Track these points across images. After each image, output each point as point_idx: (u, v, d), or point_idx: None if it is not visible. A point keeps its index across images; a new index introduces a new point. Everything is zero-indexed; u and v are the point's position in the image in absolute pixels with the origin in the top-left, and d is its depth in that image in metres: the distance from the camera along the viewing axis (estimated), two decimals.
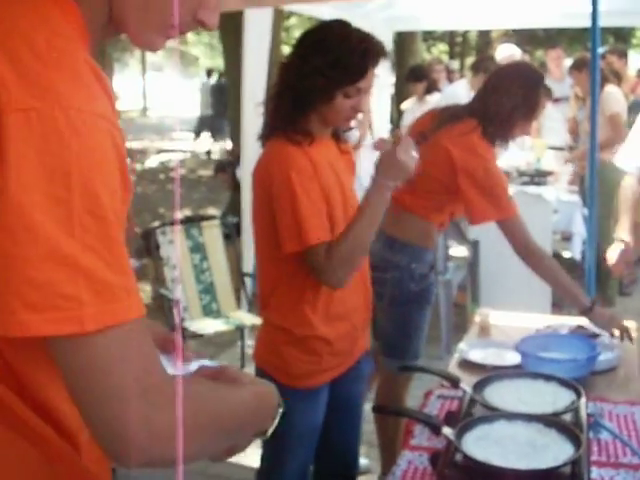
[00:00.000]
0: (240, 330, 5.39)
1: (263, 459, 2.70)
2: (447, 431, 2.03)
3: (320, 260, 2.38)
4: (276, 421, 1.44)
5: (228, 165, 8.90)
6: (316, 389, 2.58)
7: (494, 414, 2.13)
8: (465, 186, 3.23)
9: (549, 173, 6.54)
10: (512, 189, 5.79)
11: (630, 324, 3.37)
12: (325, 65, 2.38)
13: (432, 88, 8.44)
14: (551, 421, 2.07)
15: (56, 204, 0.96)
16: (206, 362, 1.65)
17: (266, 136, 2.55)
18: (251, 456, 2.69)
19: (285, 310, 2.53)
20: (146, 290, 7.36)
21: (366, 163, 3.78)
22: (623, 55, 8.31)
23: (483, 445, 1.96)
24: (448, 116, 3.40)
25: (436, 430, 2.09)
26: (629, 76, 8.39)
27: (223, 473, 4.01)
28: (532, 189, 5.92)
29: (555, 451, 1.93)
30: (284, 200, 2.38)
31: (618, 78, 7.18)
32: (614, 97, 6.68)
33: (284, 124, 2.46)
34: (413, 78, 8.63)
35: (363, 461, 3.96)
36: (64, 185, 0.96)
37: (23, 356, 1.06)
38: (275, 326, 2.57)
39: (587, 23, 4.63)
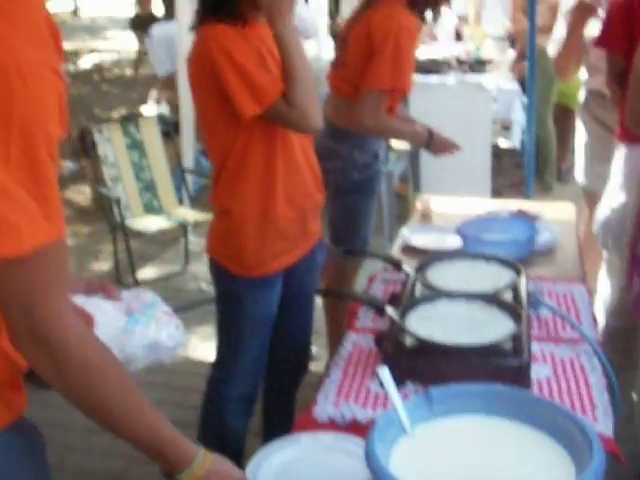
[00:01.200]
0: (183, 227, 5.37)
1: (219, 350, 2.71)
2: (391, 311, 2.06)
3: (285, 111, 2.35)
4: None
5: None
6: (270, 277, 2.58)
7: (436, 294, 2.16)
8: (378, 48, 3.19)
9: (488, 62, 6.51)
10: (452, 78, 5.80)
11: (568, 206, 3.44)
12: None
13: None
14: (492, 298, 2.11)
15: None
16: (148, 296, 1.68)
17: (198, 25, 2.47)
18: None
19: (234, 192, 2.49)
20: (85, 192, 7.26)
21: None
22: None
23: (426, 324, 1.99)
24: None
25: (380, 311, 2.11)
26: None
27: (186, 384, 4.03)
28: (472, 77, 5.89)
29: (496, 327, 1.96)
30: (230, 72, 2.32)
31: None
32: None
33: (214, 9, 2.39)
34: None
35: (312, 347, 4.02)
36: (5, 126, 1.09)
37: None
38: (224, 211, 2.53)
39: None
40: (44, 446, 1.52)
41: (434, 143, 3.51)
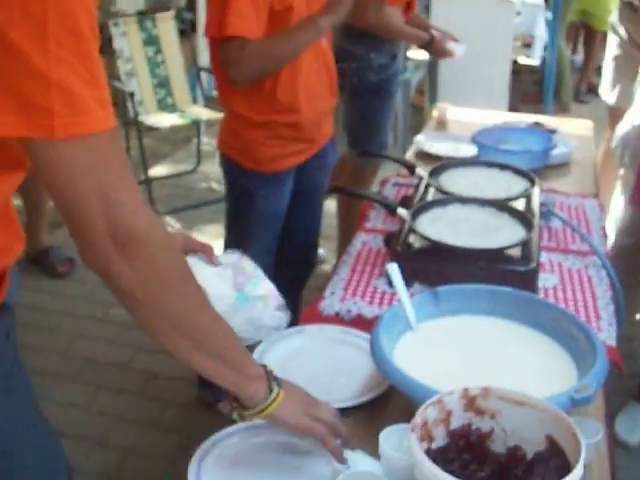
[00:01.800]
0: (196, 125, 5.34)
1: (226, 244, 2.71)
2: (402, 211, 2.05)
3: (231, 54, 2.29)
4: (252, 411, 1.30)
5: None
6: (281, 174, 2.56)
7: (448, 197, 2.16)
8: None
9: None
10: None
11: (586, 123, 3.40)
12: None
13: None
14: (504, 205, 2.10)
15: (32, 22, 0.98)
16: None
17: None
18: None
19: (243, 101, 2.46)
20: None
21: None
22: None
23: (437, 226, 1.99)
24: None
25: (391, 211, 2.11)
26: None
27: None
28: None
29: (507, 233, 1.97)
30: None
31: None
32: None
33: None
34: None
35: (320, 250, 4.04)
36: (40, 2, 0.98)
37: None
38: (236, 114, 2.51)
39: None
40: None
41: (435, 46, 3.48)
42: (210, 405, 2.82)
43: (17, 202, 3.78)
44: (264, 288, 1.53)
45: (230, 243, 2.69)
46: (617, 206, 3.41)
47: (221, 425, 1.43)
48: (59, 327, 3.57)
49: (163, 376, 3.19)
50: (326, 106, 2.60)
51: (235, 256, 1.60)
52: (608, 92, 4.14)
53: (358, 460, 1.30)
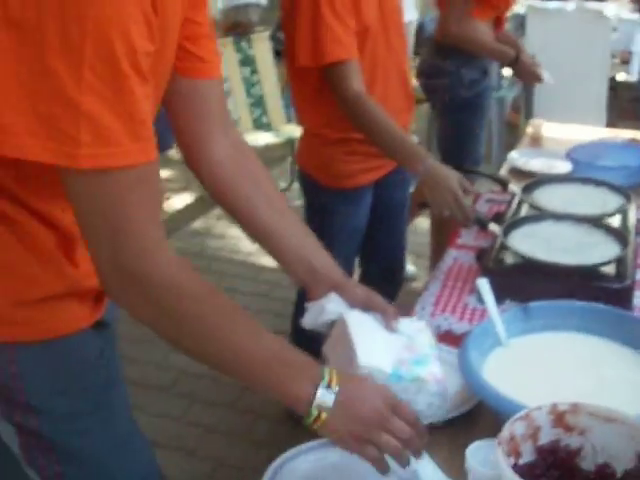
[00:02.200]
0: (290, 144, 5.40)
1: None
2: (494, 227, 2.05)
3: (340, 81, 2.30)
4: (320, 397, 1.21)
5: None
6: (359, 190, 2.57)
7: (541, 214, 2.14)
8: None
9: None
10: (572, 4, 5.62)
11: None
12: None
13: None
14: (598, 222, 2.07)
15: (69, 48, 0.99)
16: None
17: None
18: None
19: (321, 119, 2.49)
20: None
21: None
22: None
23: (529, 242, 1.97)
24: None
25: (483, 226, 2.10)
26: None
27: (286, 296, 4.11)
28: (592, 5, 5.69)
29: (602, 250, 1.94)
30: (306, 11, 2.27)
31: None
32: None
33: None
34: None
35: (411, 268, 4.04)
36: (79, 30, 0.99)
37: (28, 170, 1.14)
38: (314, 132, 2.55)
39: None
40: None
41: (519, 66, 3.42)
42: (299, 419, 2.83)
43: None
44: (427, 371, 1.36)
45: None
46: None
47: (310, 440, 1.43)
48: (156, 339, 3.63)
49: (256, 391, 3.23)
50: (403, 121, 2.60)
51: (417, 325, 1.48)
52: None
53: (425, 469, 1.27)
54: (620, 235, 1.99)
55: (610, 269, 1.89)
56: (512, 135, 5.71)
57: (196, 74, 1.41)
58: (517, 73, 3.48)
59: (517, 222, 2.08)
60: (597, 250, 1.93)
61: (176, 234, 4.84)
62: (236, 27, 5.44)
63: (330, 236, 2.56)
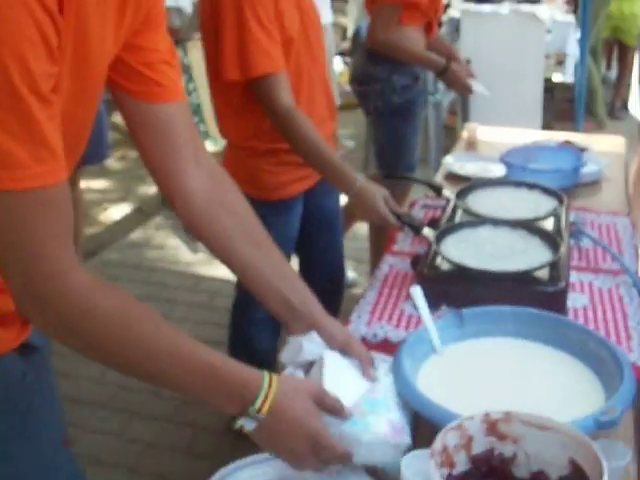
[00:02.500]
0: None
1: (237, 284, 2.67)
2: (427, 232, 2.04)
3: (269, 94, 2.28)
4: (243, 421, 1.23)
5: None
6: (288, 201, 2.56)
7: (473, 219, 2.14)
8: None
9: None
10: (506, 8, 5.68)
11: (617, 139, 3.36)
12: None
13: None
14: (532, 226, 2.08)
15: None
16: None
17: None
18: None
19: (247, 132, 2.46)
20: None
21: None
22: None
23: (462, 247, 1.98)
24: None
25: (416, 231, 2.10)
26: None
27: (228, 305, 4.08)
28: (526, 7, 5.76)
29: (534, 254, 1.94)
30: (231, 25, 2.24)
31: None
32: None
33: None
34: None
35: (351, 274, 4.03)
36: None
37: None
38: (240, 145, 2.51)
39: None
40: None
41: (448, 74, 3.39)
42: (241, 432, 2.81)
43: None
44: (383, 418, 1.32)
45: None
46: None
47: (253, 453, 1.41)
48: None
49: (195, 402, 3.20)
50: (328, 130, 2.60)
51: (384, 368, 1.46)
52: (637, 108, 4.11)
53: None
54: (553, 238, 2.00)
55: (544, 273, 1.90)
56: (450, 138, 5.75)
57: (153, 98, 1.38)
58: (447, 82, 3.44)
59: (450, 228, 2.08)
60: (529, 254, 1.94)
61: (113, 245, 4.79)
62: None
63: None
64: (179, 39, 5.31)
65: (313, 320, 1.47)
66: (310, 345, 1.43)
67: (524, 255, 1.94)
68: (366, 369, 1.42)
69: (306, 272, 2.81)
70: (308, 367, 1.43)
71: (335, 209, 2.81)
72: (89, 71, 1.20)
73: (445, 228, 2.08)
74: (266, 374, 1.25)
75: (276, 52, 2.28)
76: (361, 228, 4.06)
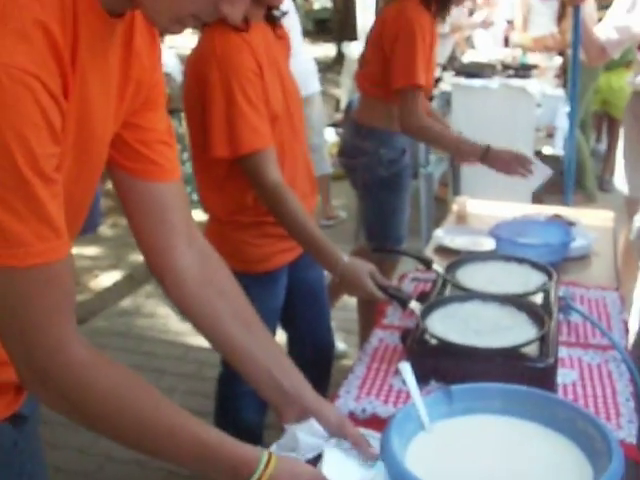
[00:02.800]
0: None
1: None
2: (414, 305, 2.05)
3: (257, 170, 2.29)
4: None
5: None
6: (273, 272, 2.55)
7: (462, 294, 2.15)
8: (390, 46, 3.23)
9: (534, 67, 6.45)
10: (496, 82, 5.76)
11: (606, 214, 3.39)
12: None
13: None
14: (521, 301, 2.08)
15: None
16: None
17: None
18: None
19: (231, 206, 2.46)
20: None
21: None
22: None
23: (448, 323, 1.98)
24: None
25: (403, 305, 2.11)
26: None
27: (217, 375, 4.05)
28: (516, 82, 5.84)
29: (521, 330, 1.94)
30: (219, 101, 2.25)
31: None
32: None
33: None
34: None
35: (341, 345, 4.02)
36: None
37: None
38: (223, 219, 2.51)
39: None
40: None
41: (491, 156, 3.26)
42: None
43: None
44: None
45: None
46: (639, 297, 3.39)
47: None
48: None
49: (183, 475, 3.16)
50: (310, 205, 2.60)
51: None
52: (622, 182, 4.15)
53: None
54: (540, 315, 2.00)
55: (533, 349, 1.90)
56: (441, 209, 5.78)
57: (148, 176, 1.40)
58: (490, 164, 3.29)
59: (438, 302, 2.09)
60: (515, 331, 1.94)
61: (103, 313, 4.77)
62: None
63: None
64: (172, 108, 5.37)
65: (304, 403, 1.47)
66: (306, 438, 1.42)
67: (509, 331, 1.94)
68: (365, 450, 1.43)
69: (294, 345, 2.80)
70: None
71: (320, 281, 2.81)
72: (91, 150, 1.23)
73: (432, 303, 2.08)
74: (265, 453, 1.26)
75: (264, 128, 2.30)
76: (350, 299, 4.05)
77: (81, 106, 1.15)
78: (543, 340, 1.90)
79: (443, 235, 2.95)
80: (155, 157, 1.40)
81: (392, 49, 3.24)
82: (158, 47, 1.42)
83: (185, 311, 1.48)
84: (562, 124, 6.18)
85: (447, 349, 1.89)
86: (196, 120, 2.37)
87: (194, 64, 2.36)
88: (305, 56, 5.57)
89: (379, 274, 2.27)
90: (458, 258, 2.44)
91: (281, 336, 2.78)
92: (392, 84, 3.26)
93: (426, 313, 2.02)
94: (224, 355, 1.51)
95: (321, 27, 24.78)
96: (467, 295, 2.13)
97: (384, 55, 3.30)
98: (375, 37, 3.38)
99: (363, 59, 3.51)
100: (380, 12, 3.39)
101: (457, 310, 2.05)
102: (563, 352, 2.07)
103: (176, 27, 1.18)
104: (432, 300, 2.11)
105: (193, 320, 1.48)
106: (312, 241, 2.31)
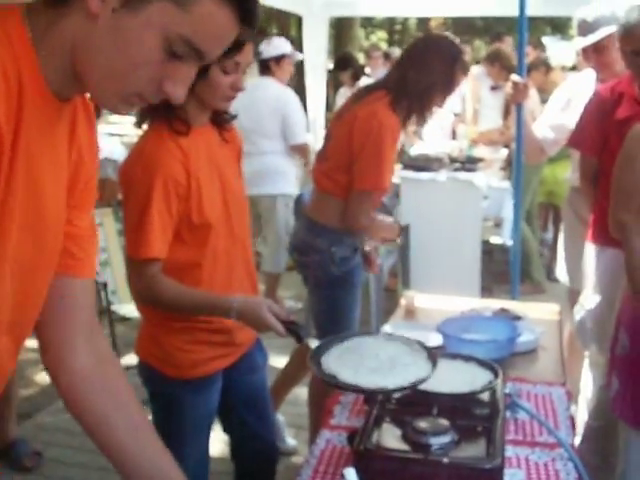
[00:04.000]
0: None
1: None
2: (310, 341, 2.07)
3: (140, 274, 2.30)
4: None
5: None
6: (206, 378, 2.50)
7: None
8: (359, 146, 3.26)
9: (480, 160, 6.60)
10: (443, 175, 5.87)
11: (552, 307, 3.43)
12: None
13: (359, 74, 8.32)
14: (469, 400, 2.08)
15: None
16: None
17: (143, 122, 2.40)
18: None
19: (159, 312, 2.43)
20: None
21: None
22: (538, 45, 8.38)
23: (345, 358, 1.96)
24: (364, 91, 3.47)
25: (299, 339, 2.17)
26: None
27: None
28: (463, 175, 5.95)
29: (415, 369, 1.93)
30: (138, 203, 2.25)
31: (546, 67, 7.32)
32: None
33: (164, 109, 2.25)
34: (339, 67, 8.62)
35: (291, 442, 3.97)
36: None
37: None
38: (155, 322, 2.48)
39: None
40: None
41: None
42: None
43: None
44: None
45: None
46: (587, 387, 3.42)
47: None
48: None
49: None
50: None
51: None
52: (564, 274, 4.22)
53: None
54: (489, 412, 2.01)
55: (480, 450, 1.89)
56: (391, 300, 5.82)
57: (64, 270, 1.41)
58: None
59: (337, 338, 2.09)
60: (412, 368, 1.94)
61: (48, 408, 4.66)
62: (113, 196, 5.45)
63: (181, 428, 2.48)
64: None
65: None
66: None
67: (407, 368, 1.94)
68: None
69: (236, 449, 2.75)
70: None
71: (261, 384, 2.76)
72: (46, 233, 1.25)
73: (330, 339, 2.08)
74: None
75: (161, 240, 2.29)
76: (302, 393, 4.02)
77: (29, 186, 1.17)
78: (489, 440, 1.90)
79: (391, 331, 2.95)
80: (75, 250, 1.41)
81: (361, 150, 3.24)
82: (96, 142, 1.44)
83: (76, 415, 1.46)
84: (509, 215, 6.30)
85: (389, 455, 1.87)
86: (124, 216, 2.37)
87: (127, 162, 2.36)
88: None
89: (277, 306, 2.26)
90: None
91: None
92: (356, 185, 3.27)
93: (321, 350, 2.01)
94: (110, 459, 1.47)
95: None
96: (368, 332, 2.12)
97: (350, 154, 3.29)
98: (342, 134, 3.34)
99: (323, 154, 3.50)
100: (347, 109, 3.39)
101: (357, 345, 2.03)
102: (510, 451, 2.07)
103: (123, 107, 1.21)
104: (329, 337, 2.10)
105: (84, 425, 1.46)
106: (197, 303, 2.32)
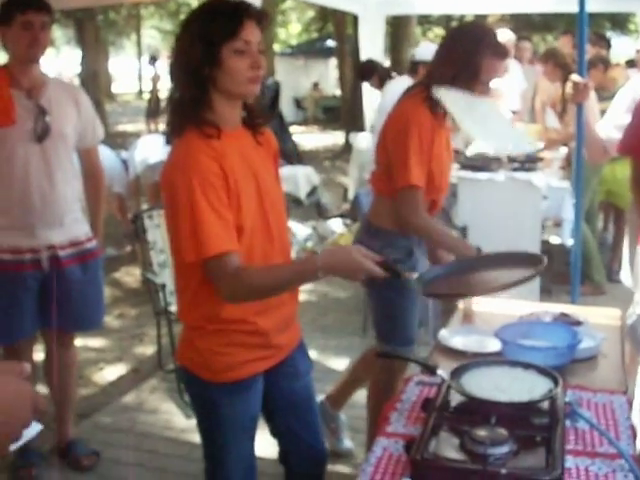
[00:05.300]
0: None
1: (206, 457, 2.60)
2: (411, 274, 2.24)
3: (219, 272, 2.27)
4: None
5: None
6: (242, 381, 2.47)
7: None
8: (391, 146, 3.29)
9: (540, 159, 6.50)
10: (502, 175, 5.81)
11: (614, 312, 3.37)
12: (197, 29, 2.26)
13: (384, 78, 8.03)
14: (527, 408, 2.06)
15: None
16: None
17: (175, 134, 2.37)
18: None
19: (199, 312, 2.43)
20: (135, 274, 7.36)
21: None
22: (597, 42, 8.17)
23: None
24: (406, 90, 3.48)
25: (398, 276, 2.27)
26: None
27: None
28: (522, 175, 5.88)
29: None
30: (184, 207, 2.23)
31: (604, 64, 7.17)
32: None
33: (192, 115, 2.29)
34: (362, 77, 8.18)
35: (347, 444, 3.96)
36: None
37: None
38: (191, 325, 2.47)
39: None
40: None
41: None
42: None
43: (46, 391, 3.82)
44: None
45: (207, 457, 2.60)
46: None
47: None
48: None
49: None
50: (287, 313, 2.56)
51: None
52: (627, 275, 4.14)
53: None
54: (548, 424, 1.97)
55: (539, 460, 1.87)
56: (449, 303, 5.76)
57: None
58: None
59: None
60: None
61: (106, 408, 4.72)
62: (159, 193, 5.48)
63: (221, 431, 2.49)
64: None
65: None
66: None
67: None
68: None
69: (284, 454, 2.74)
70: None
71: (305, 392, 2.71)
72: None
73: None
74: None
75: (228, 232, 2.27)
76: (359, 396, 4.00)
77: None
78: (549, 450, 1.87)
79: (448, 336, 2.93)
80: None
81: (392, 149, 3.30)
82: None
83: None
84: (568, 215, 6.21)
85: (446, 465, 1.86)
86: (170, 225, 2.35)
87: (163, 172, 2.35)
88: None
89: (364, 249, 2.29)
90: (463, 363, 2.40)
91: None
92: (393, 184, 3.30)
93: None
94: None
95: (330, 115, 25.24)
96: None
97: (387, 155, 3.34)
98: (380, 137, 3.42)
99: (375, 156, 3.53)
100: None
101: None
102: (569, 462, 2.03)
103: None
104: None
105: None
106: (288, 276, 2.32)
